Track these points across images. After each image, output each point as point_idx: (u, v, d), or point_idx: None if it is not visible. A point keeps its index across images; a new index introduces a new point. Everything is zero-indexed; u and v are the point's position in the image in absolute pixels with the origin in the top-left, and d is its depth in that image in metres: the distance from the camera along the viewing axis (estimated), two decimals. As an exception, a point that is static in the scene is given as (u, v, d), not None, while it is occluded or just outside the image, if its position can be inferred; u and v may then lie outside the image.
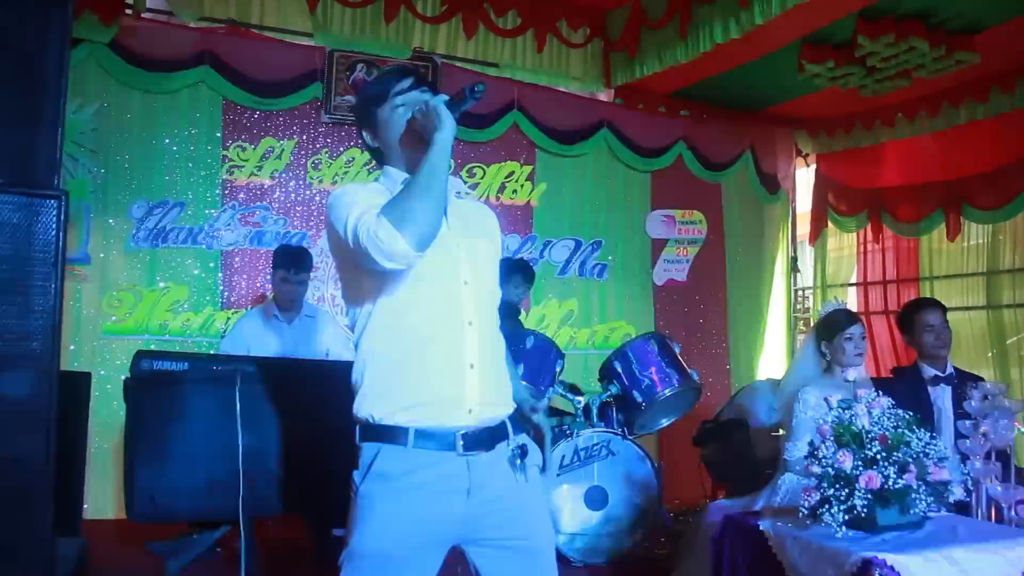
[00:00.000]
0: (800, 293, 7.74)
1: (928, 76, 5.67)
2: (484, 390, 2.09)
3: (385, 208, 1.94)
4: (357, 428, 2.12)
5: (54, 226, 2.24)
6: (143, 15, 5.59)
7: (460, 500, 2.05)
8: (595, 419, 4.67)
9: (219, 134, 5.80)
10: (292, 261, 4.60)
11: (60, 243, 2.25)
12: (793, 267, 7.78)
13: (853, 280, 7.59)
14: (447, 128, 2.01)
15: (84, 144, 5.42)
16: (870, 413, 2.98)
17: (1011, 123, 5.98)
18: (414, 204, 1.94)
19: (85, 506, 4.88)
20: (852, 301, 7.50)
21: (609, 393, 4.72)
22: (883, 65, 5.62)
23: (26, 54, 2.35)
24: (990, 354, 6.34)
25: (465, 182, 6.40)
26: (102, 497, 5.16)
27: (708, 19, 5.51)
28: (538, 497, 2.23)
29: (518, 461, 2.14)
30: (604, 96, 6.95)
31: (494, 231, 2.33)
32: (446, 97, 2.06)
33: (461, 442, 2.05)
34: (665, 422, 4.92)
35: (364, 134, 2.26)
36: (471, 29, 6.29)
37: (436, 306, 2.07)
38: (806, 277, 7.84)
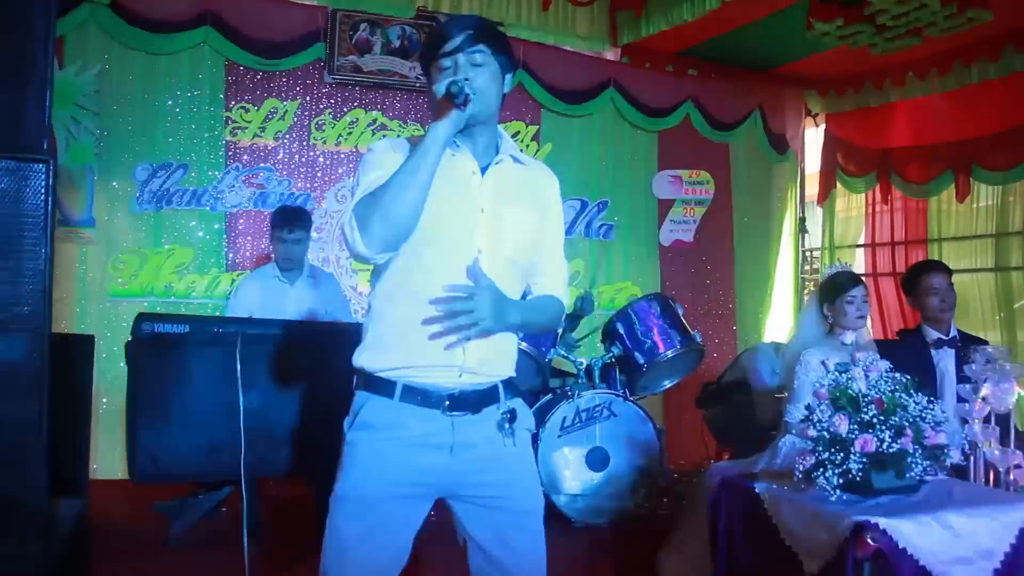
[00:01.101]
0: (808, 254, 7.70)
1: (939, 34, 5.57)
2: (482, 358, 2.09)
3: (358, 205, 1.94)
4: (354, 374, 2.15)
5: (43, 190, 2.24)
6: (144, -24, 5.55)
7: (443, 456, 2.07)
8: (597, 380, 4.68)
9: (222, 95, 5.76)
10: (286, 220, 4.60)
11: (49, 207, 2.25)
12: (801, 228, 7.72)
13: (861, 241, 7.52)
14: (442, 125, 1.97)
15: (86, 107, 5.41)
16: (867, 377, 2.97)
17: (1022, 83, 5.90)
18: (386, 204, 1.93)
19: (94, 466, 4.97)
20: (860, 262, 7.46)
21: (611, 354, 4.72)
22: (893, 23, 5.52)
23: (12, 16, 2.33)
24: (999, 316, 6.31)
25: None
26: (111, 458, 5.21)
27: (714, -25, 5.43)
28: (527, 461, 2.23)
29: (507, 425, 2.15)
30: (611, 55, 6.87)
31: (546, 197, 2.24)
32: (454, 80, 1.98)
33: (447, 402, 2.07)
34: (668, 384, 4.92)
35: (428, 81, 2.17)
36: (476, -13, 6.22)
37: (443, 272, 2.04)
38: (814, 238, 7.80)
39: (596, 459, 4.45)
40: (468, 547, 2.18)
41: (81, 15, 5.31)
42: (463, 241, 2.07)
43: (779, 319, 7.44)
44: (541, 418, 4.48)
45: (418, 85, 6.06)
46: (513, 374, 2.22)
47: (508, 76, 2.15)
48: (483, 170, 2.10)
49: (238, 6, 5.67)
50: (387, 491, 2.04)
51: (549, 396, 4.66)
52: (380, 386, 2.08)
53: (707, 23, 5.90)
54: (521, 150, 6.25)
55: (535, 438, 4.41)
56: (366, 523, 2.04)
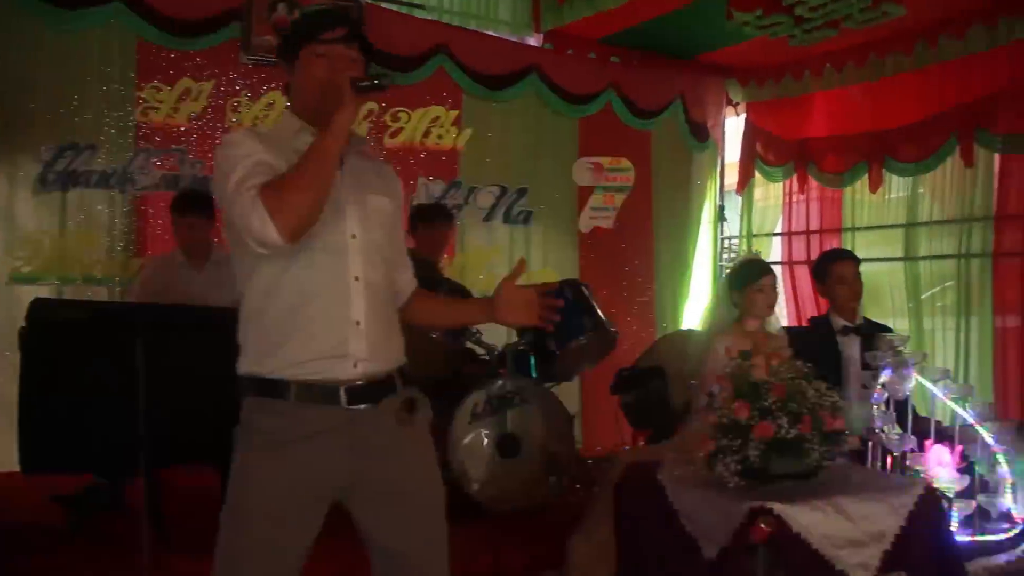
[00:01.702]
0: (727, 242, 7.78)
1: (855, 27, 5.66)
2: (371, 345, 2.07)
3: (265, 190, 1.90)
4: (241, 384, 2.09)
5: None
6: (51, -54, 5.35)
7: (342, 454, 2.04)
8: (510, 367, 4.67)
9: (133, 74, 5.56)
10: (179, 205, 4.51)
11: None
12: (720, 216, 7.79)
13: (778, 230, 7.64)
14: (347, 110, 1.96)
15: (-11, 83, 5.21)
16: (768, 364, 3.01)
17: (934, 77, 6.05)
18: (295, 193, 1.90)
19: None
20: (776, 251, 7.58)
21: (524, 341, 4.71)
22: (811, 15, 5.59)
23: None
24: (909, 305, 6.45)
25: (389, 126, 6.29)
26: (12, 449, 5.03)
27: (637, -37, 5.44)
28: (425, 452, 2.22)
29: (405, 415, 2.13)
30: (533, 41, 6.84)
31: (394, 190, 2.29)
32: (357, 76, 2.00)
33: (345, 395, 2.04)
34: (581, 370, 4.92)
35: (283, 64, 2.18)
36: (397, -31, 6.14)
37: (321, 261, 2.03)
38: (733, 226, 7.87)
39: (507, 446, 4.44)
40: (371, 552, 2.16)
41: (-16, -12, 5.11)
42: (335, 228, 2.05)
43: (698, 306, 7.51)
44: (452, 405, 4.45)
45: (337, 68, 5.98)
46: (404, 361, 2.20)
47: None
48: (341, 162, 2.08)
49: (150, -19, 5.51)
50: (285, 500, 2.00)
51: (461, 383, 4.64)
52: (274, 389, 2.03)
53: (630, 10, 5.91)
54: (440, 136, 6.28)
55: (446, 425, 4.39)
56: (263, 537, 2.00)
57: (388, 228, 2.19)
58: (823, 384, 2.94)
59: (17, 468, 3.58)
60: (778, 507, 2.63)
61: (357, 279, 2.05)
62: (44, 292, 5.12)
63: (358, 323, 2.05)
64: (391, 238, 2.22)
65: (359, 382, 2.05)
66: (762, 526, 2.59)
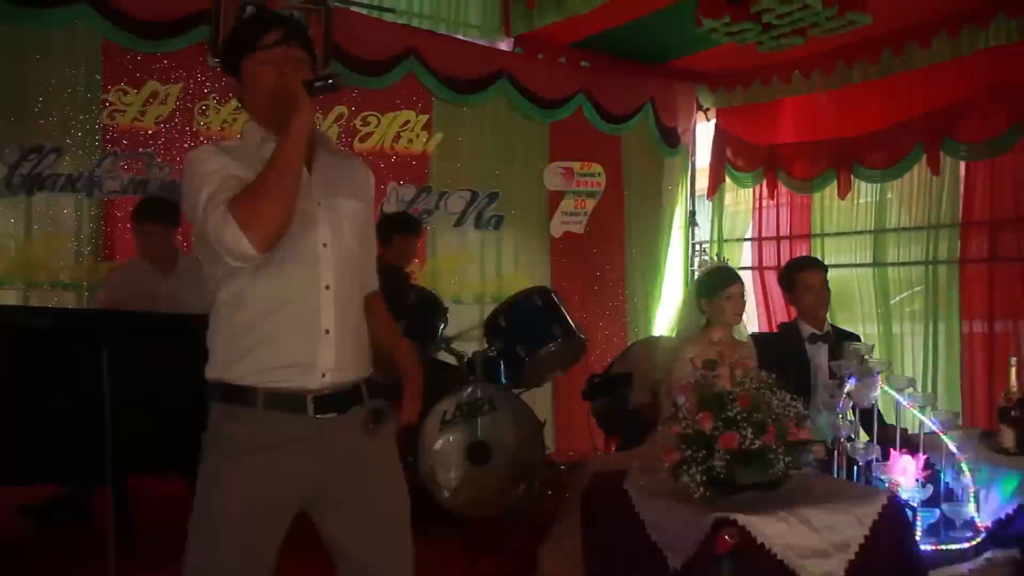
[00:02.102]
0: (698, 247, 7.82)
1: (822, 35, 5.69)
2: (340, 355, 2.07)
3: (233, 204, 1.89)
4: (208, 390, 2.09)
5: None
6: (14, -54, 5.28)
7: (309, 463, 2.05)
8: (479, 374, 4.67)
9: (99, 76, 5.53)
10: (136, 212, 4.50)
11: None
12: (691, 221, 7.83)
13: (749, 235, 7.69)
14: (303, 113, 1.95)
15: (-52, 83, 5.14)
16: (733, 374, 3.02)
17: (901, 84, 6.11)
18: (263, 203, 1.89)
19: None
20: (747, 256, 7.62)
21: (494, 348, 4.72)
22: (778, 22, 5.61)
23: None
24: (879, 310, 6.51)
25: (359, 131, 6.27)
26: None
27: (606, -32, 5.45)
28: (391, 462, 2.23)
29: (371, 425, 2.13)
30: (504, 45, 6.84)
31: (365, 189, 2.27)
32: (307, 78, 2.00)
33: (312, 405, 2.04)
34: (552, 377, 4.93)
35: (232, 77, 2.17)
36: (367, -28, 6.12)
37: (291, 270, 2.03)
38: (704, 231, 7.91)
39: (478, 453, 4.44)
40: (336, 561, 2.16)
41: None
42: (307, 236, 2.04)
43: (669, 311, 7.53)
44: (421, 412, 4.44)
45: (306, 71, 5.96)
46: (371, 371, 2.20)
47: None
48: (308, 166, 2.07)
49: (117, -18, 5.46)
50: (252, 508, 2.00)
51: (430, 390, 4.62)
52: (241, 396, 2.02)
53: (599, 15, 5.92)
54: (411, 140, 6.26)
55: (416, 432, 4.38)
56: (230, 544, 2.00)
57: (361, 234, 2.18)
58: (787, 394, 2.95)
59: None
60: (742, 518, 2.64)
61: (328, 288, 2.05)
62: (10, 297, 5.09)
63: (327, 332, 2.05)
64: (363, 243, 2.20)
65: (326, 391, 2.06)
66: (726, 537, 2.60)
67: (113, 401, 3.34)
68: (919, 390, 3.72)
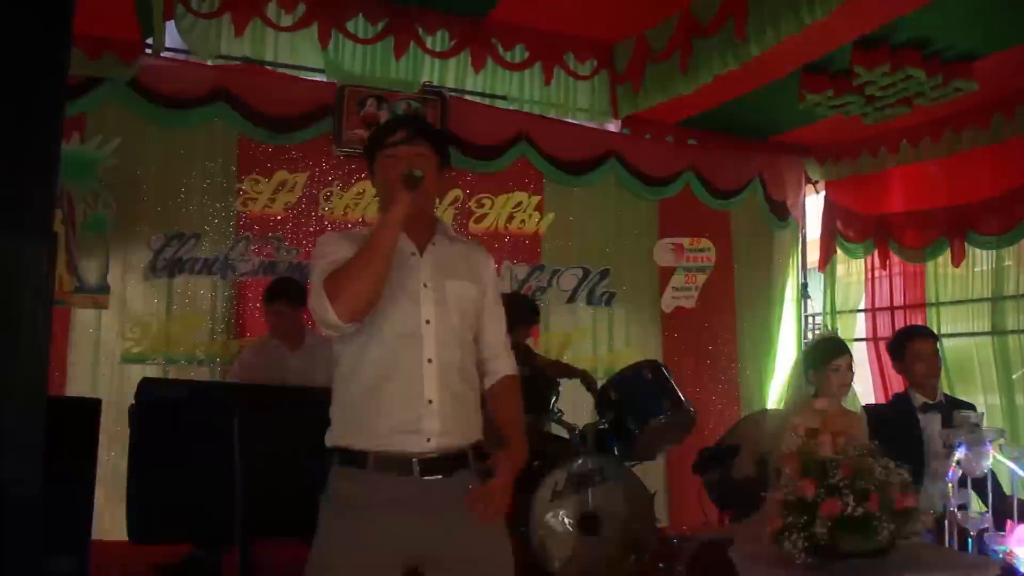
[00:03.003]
0: (811, 319, 7.75)
1: (928, 103, 5.71)
2: (443, 422, 2.22)
3: (328, 279, 2.11)
4: (327, 456, 2.28)
5: (45, 272, 2.37)
6: (162, 54, 5.79)
7: (415, 522, 2.18)
8: (591, 446, 4.75)
9: (234, 168, 5.99)
10: (267, 293, 4.79)
11: (50, 291, 2.37)
12: (803, 294, 7.76)
13: (862, 306, 7.58)
14: (397, 207, 2.16)
15: (104, 179, 5.63)
16: (836, 442, 3.05)
17: (1013, 149, 5.97)
18: (351, 280, 2.10)
19: (105, 527, 5.07)
20: (861, 327, 7.51)
21: (604, 421, 4.80)
22: (882, 93, 5.66)
23: (19, 93, 2.43)
24: (1000, 380, 6.31)
25: (474, 212, 6.54)
26: (122, 521, 5.31)
27: (707, 52, 5.58)
28: (498, 524, 2.34)
29: (476, 488, 2.27)
30: (612, 127, 7.03)
31: (481, 272, 2.43)
32: (406, 171, 2.19)
33: (418, 468, 2.19)
34: (662, 450, 4.97)
35: (369, 172, 2.43)
36: (479, 63, 6.39)
37: (395, 345, 2.21)
38: (816, 303, 7.85)
39: (588, 524, 4.51)
40: None
41: (103, 92, 5.58)
42: (410, 314, 2.22)
43: (783, 384, 7.46)
44: (534, 483, 4.56)
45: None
46: (480, 438, 2.34)
47: (443, 168, 2.38)
48: (421, 250, 2.26)
49: (250, 83, 5.92)
50: (361, 563, 2.14)
51: (542, 461, 4.74)
52: (353, 459, 2.21)
53: (704, 94, 6.03)
54: (523, 220, 6.46)
55: (529, 503, 4.49)
56: None
57: (469, 311, 2.34)
58: (891, 461, 2.96)
59: (126, 537, 3.83)
60: (844, 584, 2.65)
61: (430, 361, 2.22)
62: (152, 371, 5.45)
63: (430, 401, 2.21)
64: (474, 319, 2.36)
65: (432, 455, 2.20)
66: (829, 604, 2.61)
67: (243, 467, 3.60)
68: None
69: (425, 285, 2.26)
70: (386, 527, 2.17)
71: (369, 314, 2.17)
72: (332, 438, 2.27)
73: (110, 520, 5.25)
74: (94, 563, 4.25)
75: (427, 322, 2.24)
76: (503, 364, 2.46)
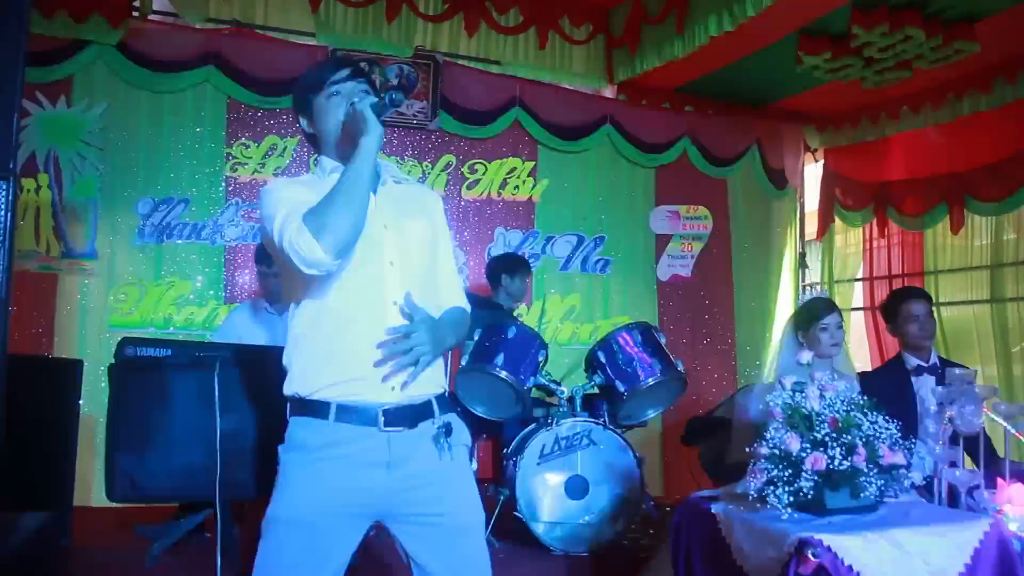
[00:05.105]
0: (808, 289, 7.68)
1: (928, 67, 5.62)
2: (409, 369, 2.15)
3: (307, 216, 2.02)
4: (287, 405, 2.21)
5: (3, 207, 2.32)
6: (149, 17, 5.74)
7: (380, 473, 2.12)
8: (579, 409, 4.69)
9: (223, 132, 5.93)
10: (265, 254, 4.72)
11: (8, 223, 2.32)
12: (801, 263, 7.70)
13: (860, 275, 7.52)
14: (373, 133, 2.09)
15: (91, 143, 5.59)
16: (822, 396, 2.99)
17: (1014, 114, 5.89)
18: (334, 214, 2.01)
19: (91, 493, 5.08)
20: (859, 296, 7.45)
21: (593, 383, 4.74)
22: (881, 56, 5.58)
23: None
24: (999, 350, 6.25)
25: (467, 178, 6.47)
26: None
27: (703, 12, 5.51)
28: (464, 475, 2.28)
29: (442, 439, 2.20)
30: (608, 92, 6.96)
31: (433, 212, 2.38)
32: (374, 100, 2.14)
33: (382, 418, 2.12)
34: (652, 413, 4.90)
35: (301, 120, 2.35)
36: (473, 27, 6.34)
37: (359, 287, 2.14)
38: (814, 273, 7.78)
39: (575, 487, 4.45)
40: (411, 569, 2.21)
41: (89, 55, 5.53)
42: (374, 256, 2.15)
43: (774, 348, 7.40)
44: (521, 446, 4.51)
45: (415, 122, 6.23)
46: (445, 388, 2.28)
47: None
48: (374, 191, 2.19)
49: (240, 46, 5.86)
50: (322, 512, 2.08)
51: (530, 425, 4.69)
52: (314, 408, 2.13)
53: (700, 59, 5.96)
54: (517, 187, 6.38)
55: (515, 465, 4.44)
56: (300, 546, 2.07)
57: (426, 251, 2.28)
58: (881, 416, 2.90)
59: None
60: (827, 538, 2.58)
61: (395, 303, 2.15)
62: (140, 335, 5.39)
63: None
64: (431, 259, 2.30)
65: (397, 404, 2.13)
66: (810, 556, 2.55)
67: (222, 428, 3.56)
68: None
69: (385, 227, 2.19)
70: (349, 477, 2.09)
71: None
72: (291, 386, 2.17)
73: (96, 485, 5.26)
74: (79, 528, 4.25)
75: (391, 263, 2.17)
76: (454, 298, 2.38)
